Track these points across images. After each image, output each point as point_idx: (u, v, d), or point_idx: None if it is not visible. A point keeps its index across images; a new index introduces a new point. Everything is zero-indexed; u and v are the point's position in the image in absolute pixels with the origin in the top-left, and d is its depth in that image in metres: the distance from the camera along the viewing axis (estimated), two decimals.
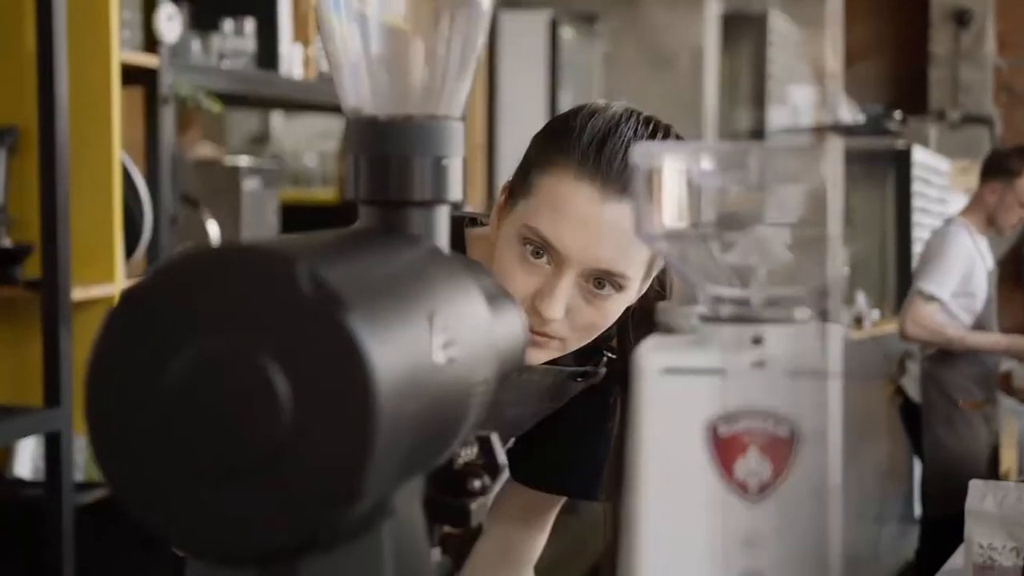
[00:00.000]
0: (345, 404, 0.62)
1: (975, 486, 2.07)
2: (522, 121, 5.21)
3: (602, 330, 1.32)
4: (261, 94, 3.22)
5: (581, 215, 1.25)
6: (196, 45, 3.00)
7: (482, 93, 4.76)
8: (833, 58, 5.59)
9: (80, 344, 2.43)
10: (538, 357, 1.32)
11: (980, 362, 4.46)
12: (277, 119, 5.09)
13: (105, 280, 2.52)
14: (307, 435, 0.62)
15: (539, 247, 1.27)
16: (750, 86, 7.43)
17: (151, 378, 0.64)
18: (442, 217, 0.85)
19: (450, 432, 0.75)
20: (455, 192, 0.85)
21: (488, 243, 1.35)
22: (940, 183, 7.67)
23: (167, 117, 2.73)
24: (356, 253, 0.71)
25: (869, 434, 4.50)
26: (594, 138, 1.27)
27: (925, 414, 4.52)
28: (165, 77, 2.70)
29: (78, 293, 2.44)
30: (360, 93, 0.85)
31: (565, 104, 6.21)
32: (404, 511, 0.74)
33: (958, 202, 8.35)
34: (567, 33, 5.75)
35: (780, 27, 7.54)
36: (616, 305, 1.30)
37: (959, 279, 4.34)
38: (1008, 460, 6.27)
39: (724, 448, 0.70)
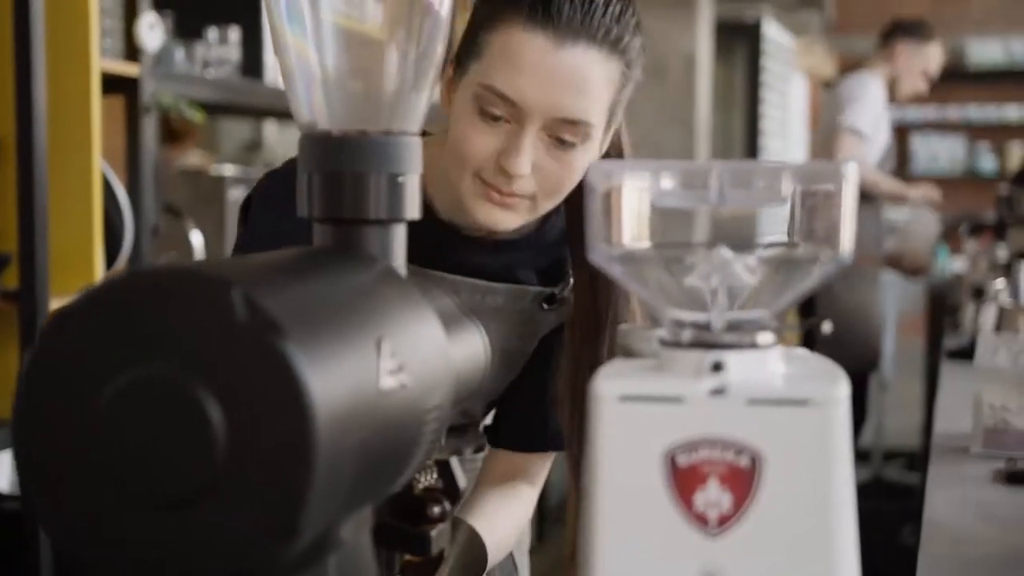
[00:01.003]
0: (281, 435, 0.59)
1: (985, 339, 1.96)
2: None
3: (571, 186, 1.29)
4: (245, 103, 3.19)
5: (536, 64, 1.22)
6: (180, 53, 2.97)
7: None
8: None
9: None
10: (509, 220, 1.29)
11: (873, 217, 4.55)
12: (271, 127, 5.07)
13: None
14: (242, 467, 0.59)
15: (496, 106, 1.24)
16: (744, 93, 7.43)
17: (82, 403, 0.61)
18: (399, 235, 0.82)
19: (401, 460, 0.72)
20: (412, 210, 0.82)
21: (432, 146, 1.31)
22: (785, 59, 7.82)
23: (149, 126, 2.70)
24: (301, 276, 0.69)
25: None
26: None
27: None
28: (147, 86, 2.68)
29: (57, 304, 2.41)
30: (314, 107, 0.83)
31: None
32: (352, 542, 0.71)
33: (798, 80, 8.57)
34: None
35: (773, 34, 7.53)
36: (582, 159, 1.27)
37: (873, 119, 4.48)
38: None
39: (683, 479, 0.68)
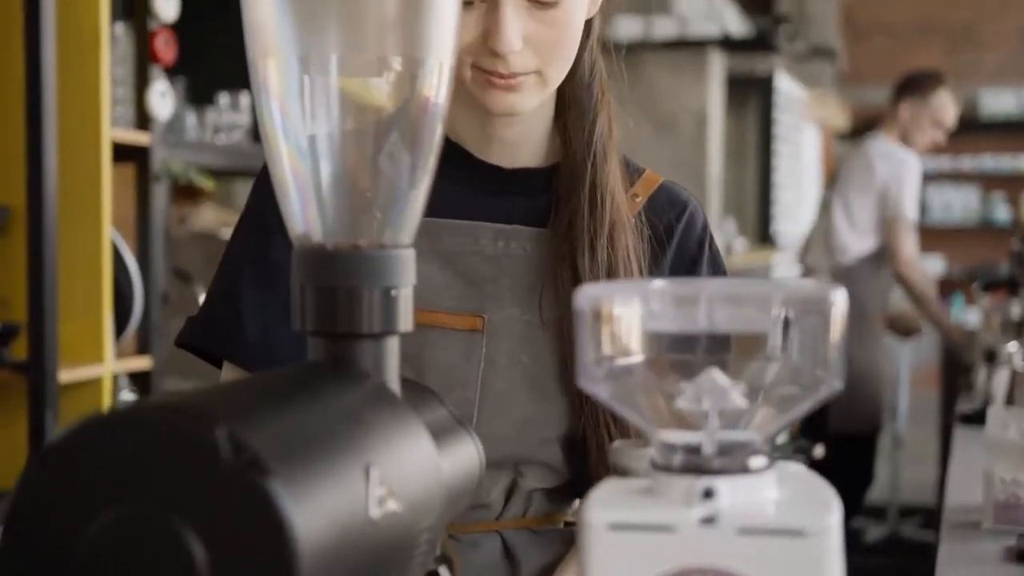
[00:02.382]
0: (266, 574, 0.59)
1: (995, 413, 1.93)
2: None
3: (572, 47, 1.23)
4: (256, 168, 3.20)
5: None
6: (191, 119, 2.99)
7: None
8: None
9: None
10: (523, 101, 1.23)
11: (882, 281, 4.55)
12: None
13: (94, 361, 2.50)
14: None
15: None
16: (756, 145, 7.45)
17: (65, 543, 0.61)
18: (392, 348, 0.82)
19: None
20: (405, 322, 0.82)
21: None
22: (797, 111, 7.85)
23: (159, 194, 2.71)
24: (289, 403, 0.68)
25: None
26: None
27: None
28: (157, 154, 2.69)
29: (66, 375, 2.41)
30: (308, 220, 0.83)
31: None
32: None
33: (810, 132, 8.62)
34: None
35: (785, 87, 7.55)
36: (571, 13, 1.21)
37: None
38: None
39: None
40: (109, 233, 2.52)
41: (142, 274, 2.64)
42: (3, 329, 2.40)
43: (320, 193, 0.81)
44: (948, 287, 10.01)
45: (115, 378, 2.63)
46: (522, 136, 1.31)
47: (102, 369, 2.51)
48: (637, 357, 0.72)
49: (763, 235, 7.42)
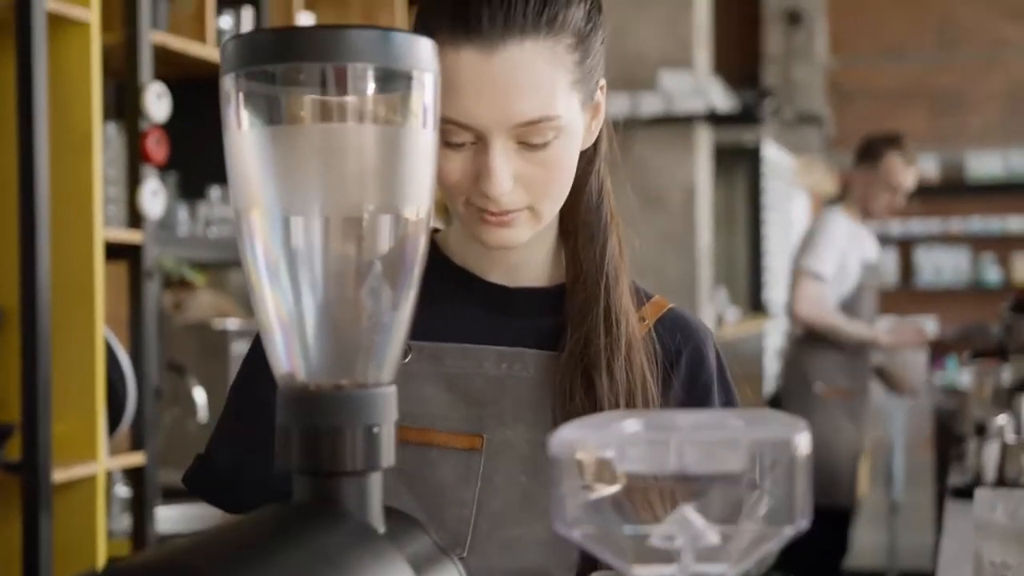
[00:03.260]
0: None
1: (982, 495, 1.92)
2: None
3: (564, 184, 1.22)
4: None
5: (473, 80, 1.15)
6: (183, 213, 3.03)
7: None
8: (702, 42, 5.64)
9: (61, 527, 2.41)
10: (516, 236, 1.22)
11: (848, 349, 4.51)
12: None
13: (88, 459, 2.51)
14: None
15: (454, 134, 1.17)
16: (746, 214, 7.51)
17: None
18: (375, 484, 0.84)
19: None
20: (388, 458, 0.84)
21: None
22: (786, 179, 7.89)
23: (151, 291, 2.74)
24: (272, 552, 0.70)
25: None
26: None
27: (783, 400, 4.55)
28: (150, 252, 2.73)
29: (60, 474, 2.43)
30: (292, 360, 0.85)
31: None
32: None
33: (801, 198, 8.67)
34: None
35: (773, 156, 7.63)
36: (565, 151, 1.21)
37: (837, 260, 4.50)
38: (864, 469, 6.13)
39: None
40: (102, 331, 2.54)
41: (135, 370, 2.66)
42: None
43: (303, 336, 0.84)
44: (941, 349, 10.05)
45: (109, 475, 2.64)
46: (524, 259, 1.32)
47: (96, 467, 2.52)
48: (611, 497, 0.74)
49: (755, 303, 7.46)
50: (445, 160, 1.20)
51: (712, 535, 0.72)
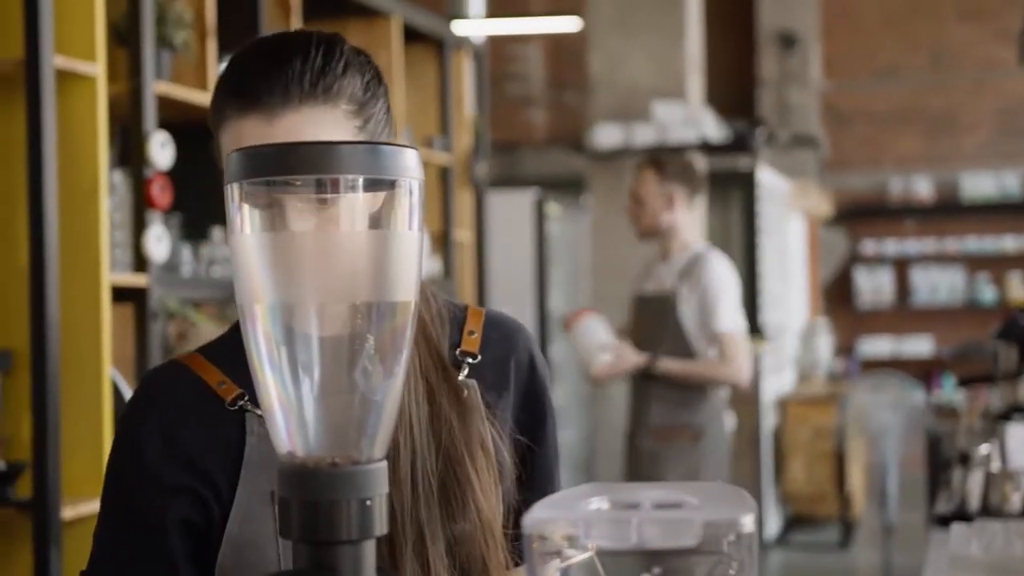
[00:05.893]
0: None
1: (958, 529, 1.98)
2: (512, 298, 5.35)
3: None
4: None
5: (258, 143, 1.20)
6: (187, 253, 3.12)
7: (471, 271, 4.88)
8: (695, 72, 5.69)
9: (70, 564, 2.49)
10: None
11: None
12: None
13: (96, 496, 2.58)
14: None
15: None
16: (741, 238, 7.60)
17: None
18: (368, 551, 0.92)
19: None
20: (380, 527, 0.93)
21: None
22: (781, 202, 7.95)
23: (156, 331, 2.83)
24: None
25: None
26: (240, 68, 1.27)
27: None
28: (154, 294, 2.81)
29: (69, 511, 2.51)
30: (292, 440, 0.94)
31: (555, 277, 6.36)
32: None
33: (796, 220, 8.73)
34: (553, 209, 5.89)
35: (768, 180, 7.72)
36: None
37: None
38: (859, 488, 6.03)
39: None
40: (109, 372, 2.63)
41: None
42: (8, 468, 2.50)
43: (302, 417, 0.93)
44: (937, 367, 10.14)
45: None
46: None
47: None
48: (578, 570, 0.82)
49: (751, 326, 7.53)
50: None
51: None
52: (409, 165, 0.92)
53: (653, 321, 4.08)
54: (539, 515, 0.82)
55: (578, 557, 0.83)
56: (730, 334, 3.95)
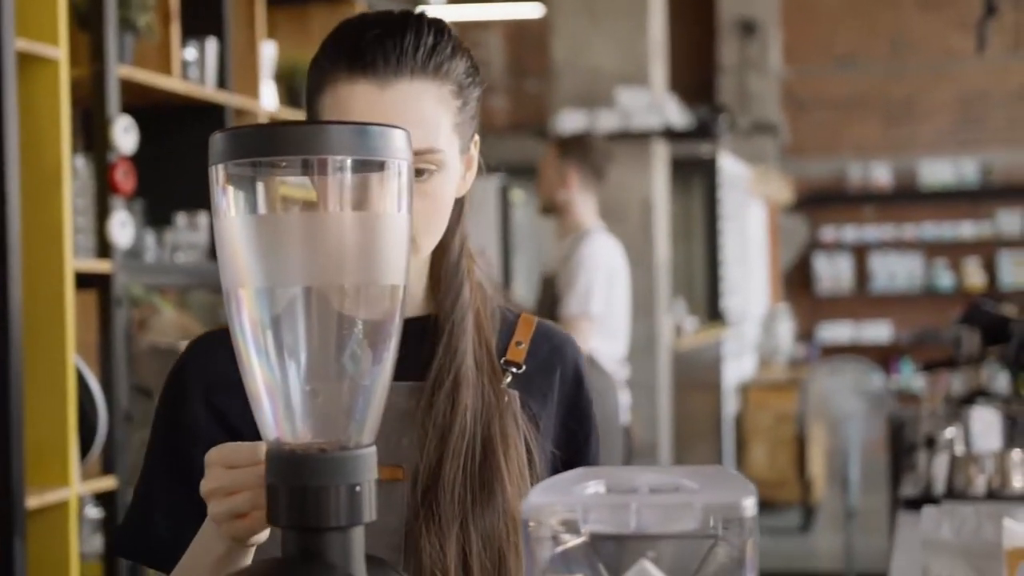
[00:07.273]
0: None
1: (928, 512, 1.98)
2: None
3: (443, 219, 1.29)
4: (215, 284, 3.29)
5: (365, 109, 1.24)
6: (151, 240, 3.08)
7: None
8: (658, 59, 5.68)
9: (35, 552, 2.46)
10: None
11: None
12: None
13: (60, 484, 2.56)
14: None
15: None
16: (703, 225, 7.62)
17: None
18: (358, 537, 0.91)
19: None
20: (369, 513, 0.91)
21: None
22: (742, 188, 8.01)
23: (120, 318, 2.79)
24: None
25: None
26: (353, 35, 1.28)
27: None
28: (118, 280, 2.77)
29: (33, 500, 2.48)
30: (279, 427, 0.92)
31: (518, 264, 6.35)
32: None
33: (756, 207, 8.80)
34: (517, 196, 5.88)
35: (729, 167, 7.74)
36: (443, 187, 1.28)
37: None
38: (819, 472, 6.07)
39: None
40: (73, 359, 2.59)
41: (105, 396, 2.71)
42: None
43: (289, 403, 0.91)
44: (895, 352, 10.22)
45: (80, 499, 2.69)
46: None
47: (68, 492, 2.57)
48: (576, 556, 0.81)
49: (712, 312, 7.56)
50: None
51: None
52: (398, 146, 0.90)
53: (544, 302, 4.12)
54: (537, 500, 0.81)
55: (574, 541, 0.82)
56: (571, 319, 3.91)
